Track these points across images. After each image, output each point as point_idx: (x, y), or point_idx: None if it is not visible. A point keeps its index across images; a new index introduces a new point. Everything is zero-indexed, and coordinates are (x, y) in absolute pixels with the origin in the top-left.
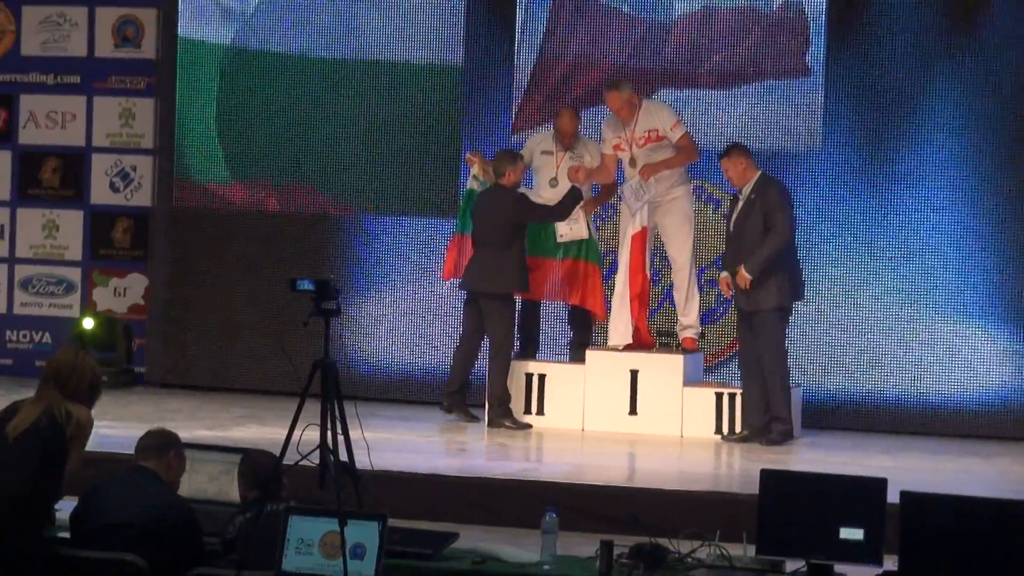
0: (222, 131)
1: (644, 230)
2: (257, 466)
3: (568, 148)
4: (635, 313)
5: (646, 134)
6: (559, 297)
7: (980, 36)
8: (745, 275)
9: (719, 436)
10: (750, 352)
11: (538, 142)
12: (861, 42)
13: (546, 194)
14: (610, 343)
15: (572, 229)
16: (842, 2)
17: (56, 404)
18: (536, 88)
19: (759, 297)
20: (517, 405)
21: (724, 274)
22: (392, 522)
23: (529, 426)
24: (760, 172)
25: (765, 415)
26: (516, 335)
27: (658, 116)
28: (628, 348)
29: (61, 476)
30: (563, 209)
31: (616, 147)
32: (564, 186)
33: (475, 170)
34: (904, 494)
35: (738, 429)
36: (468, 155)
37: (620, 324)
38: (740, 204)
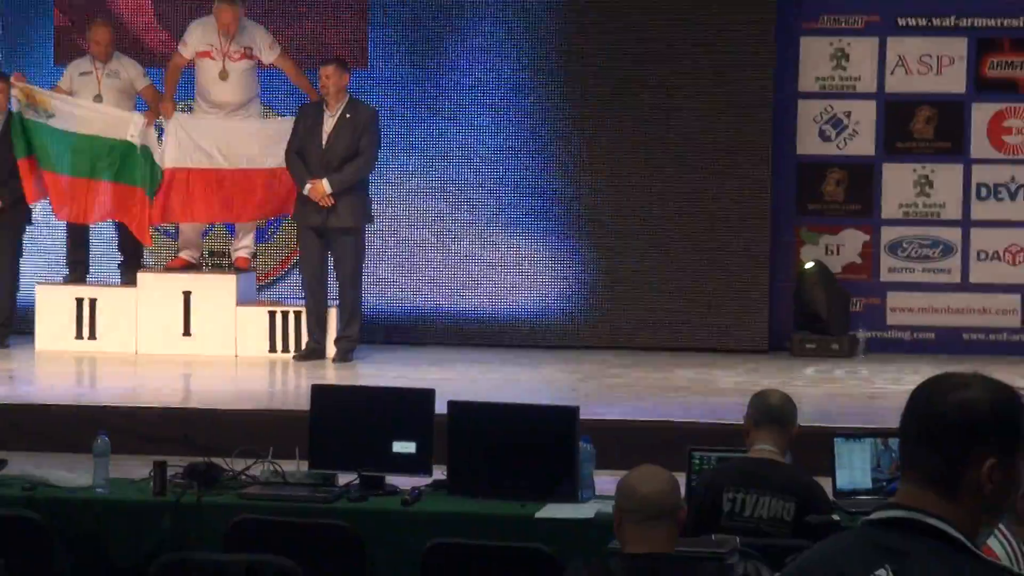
0: None
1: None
2: None
3: (105, 62)
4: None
5: (241, 50)
6: (107, 217)
7: None
8: (326, 188)
9: (277, 354)
10: (318, 269)
11: (74, 68)
12: None
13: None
14: None
15: (139, 135)
16: None
17: None
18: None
19: (342, 215)
20: (69, 330)
21: (310, 184)
22: None
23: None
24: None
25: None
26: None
27: (256, 35)
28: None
29: None
30: None
31: (205, 54)
32: (110, 100)
33: (17, 92)
34: (451, 403)
35: (303, 346)
36: (13, 77)
37: None
38: (331, 120)
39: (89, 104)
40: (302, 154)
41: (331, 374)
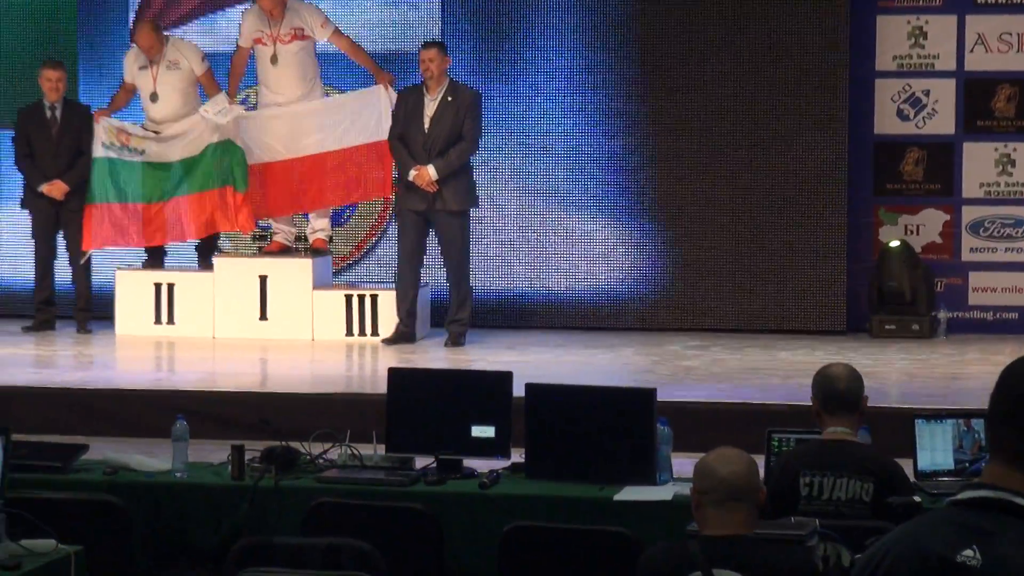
0: None
1: None
2: None
3: (155, 60)
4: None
5: (291, 31)
6: (186, 237)
7: None
8: (432, 175)
9: (354, 338)
10: (414, 254)
11: (133, 58)
12: None
13: (150, 112)
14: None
15: (219, 113)
16: None
17: None
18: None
19: (448, 199)
20: (146, 315)
21: (414, 170)
22: (19, 437)
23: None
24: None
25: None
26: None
27: (305, 14)
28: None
29: None
30: None
31: (258, 40)
32: (166, 100)
33: (111, 136)
34: (528, 386)
35: (379, 330)
36: (97, 113)
37: None
38: (433, 104)
39: (169, 133)
40: (404, 139)
41: (407, 357)
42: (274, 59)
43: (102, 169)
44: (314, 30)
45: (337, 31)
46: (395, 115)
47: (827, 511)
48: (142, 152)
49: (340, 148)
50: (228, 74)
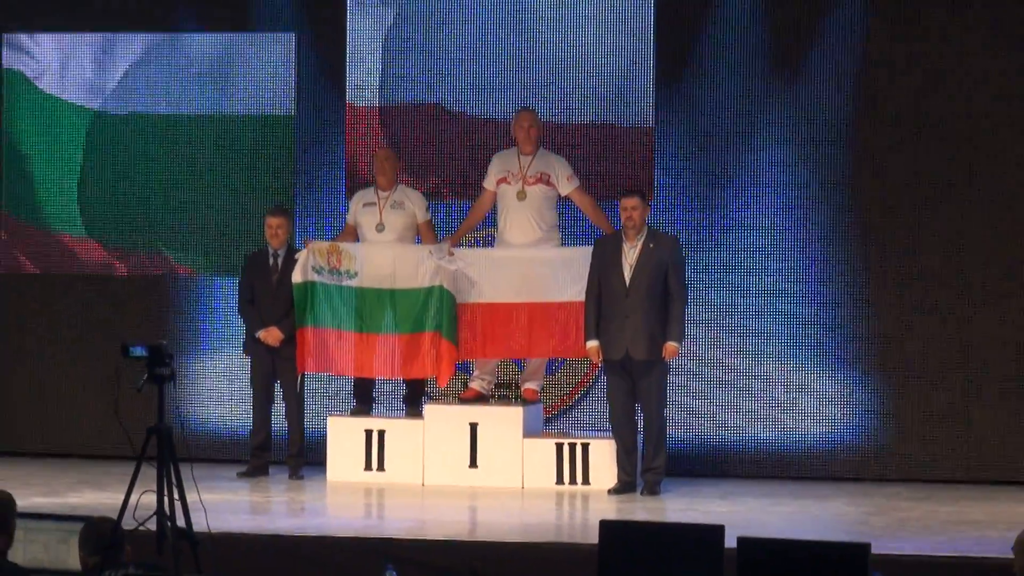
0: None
1: None
2: (98, 532)
3: (388, 191)
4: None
5: (538, 175)
6: (394, 374)
7: (800, 76)
8: (676, 347)
9: (564, 486)
10: (625, 402)
11: (358, 199)
12: (687, 92)
13: (373, 240)
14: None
15: (443, 259)
16: (668, 57)
17: None
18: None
19: (648, 347)
20: (357, 462)
21: (593, 344)
22: None
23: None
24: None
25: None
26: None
27: (554, 163)
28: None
29: None
30: None
31: (502, 180)
32: (391, 231)
33: (320, 259)
34: (741, 540)
35: (590, 479)
36: (307, 243)
37: None
38: (634, 252)
39: (384, 254)
40: (602, 286)
41: (615, 507)
42: (521, 195)
43: (309, 294)
44: (559, 181)
45: (580, 188)
46: (592, 267)
47: None
48: (354, 275)
49: (564, 301)
50: (463, 220)
